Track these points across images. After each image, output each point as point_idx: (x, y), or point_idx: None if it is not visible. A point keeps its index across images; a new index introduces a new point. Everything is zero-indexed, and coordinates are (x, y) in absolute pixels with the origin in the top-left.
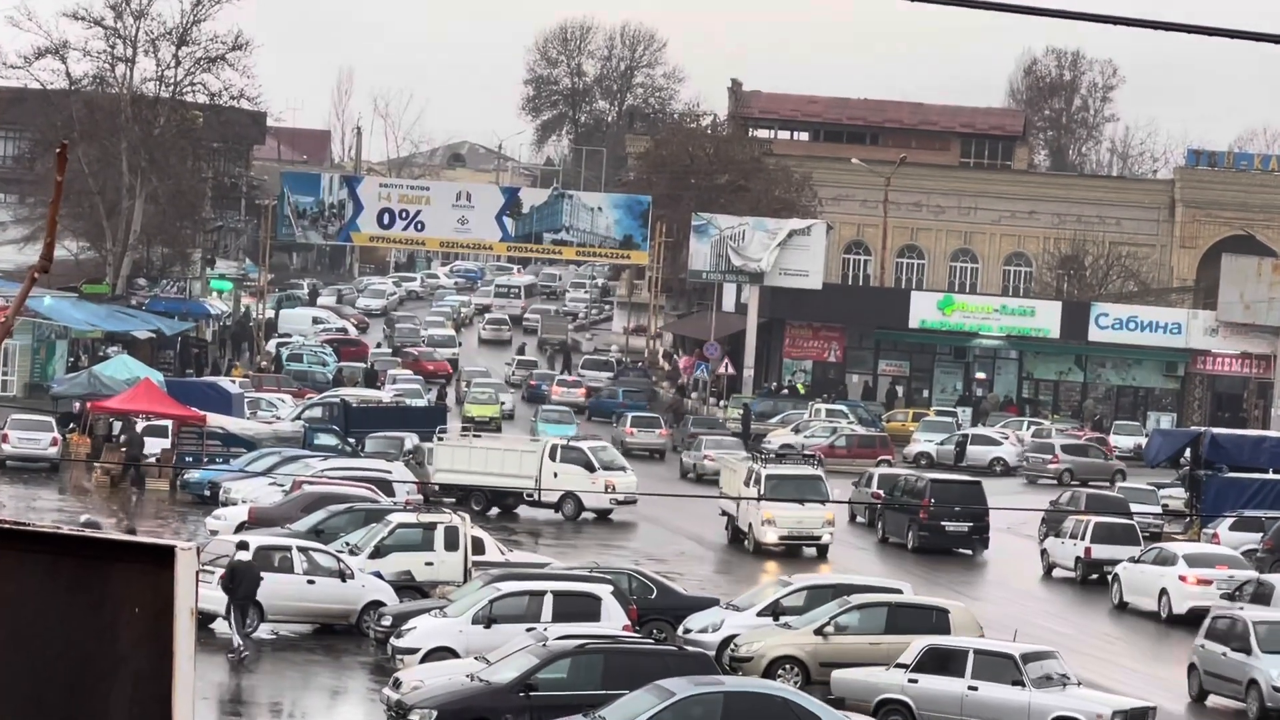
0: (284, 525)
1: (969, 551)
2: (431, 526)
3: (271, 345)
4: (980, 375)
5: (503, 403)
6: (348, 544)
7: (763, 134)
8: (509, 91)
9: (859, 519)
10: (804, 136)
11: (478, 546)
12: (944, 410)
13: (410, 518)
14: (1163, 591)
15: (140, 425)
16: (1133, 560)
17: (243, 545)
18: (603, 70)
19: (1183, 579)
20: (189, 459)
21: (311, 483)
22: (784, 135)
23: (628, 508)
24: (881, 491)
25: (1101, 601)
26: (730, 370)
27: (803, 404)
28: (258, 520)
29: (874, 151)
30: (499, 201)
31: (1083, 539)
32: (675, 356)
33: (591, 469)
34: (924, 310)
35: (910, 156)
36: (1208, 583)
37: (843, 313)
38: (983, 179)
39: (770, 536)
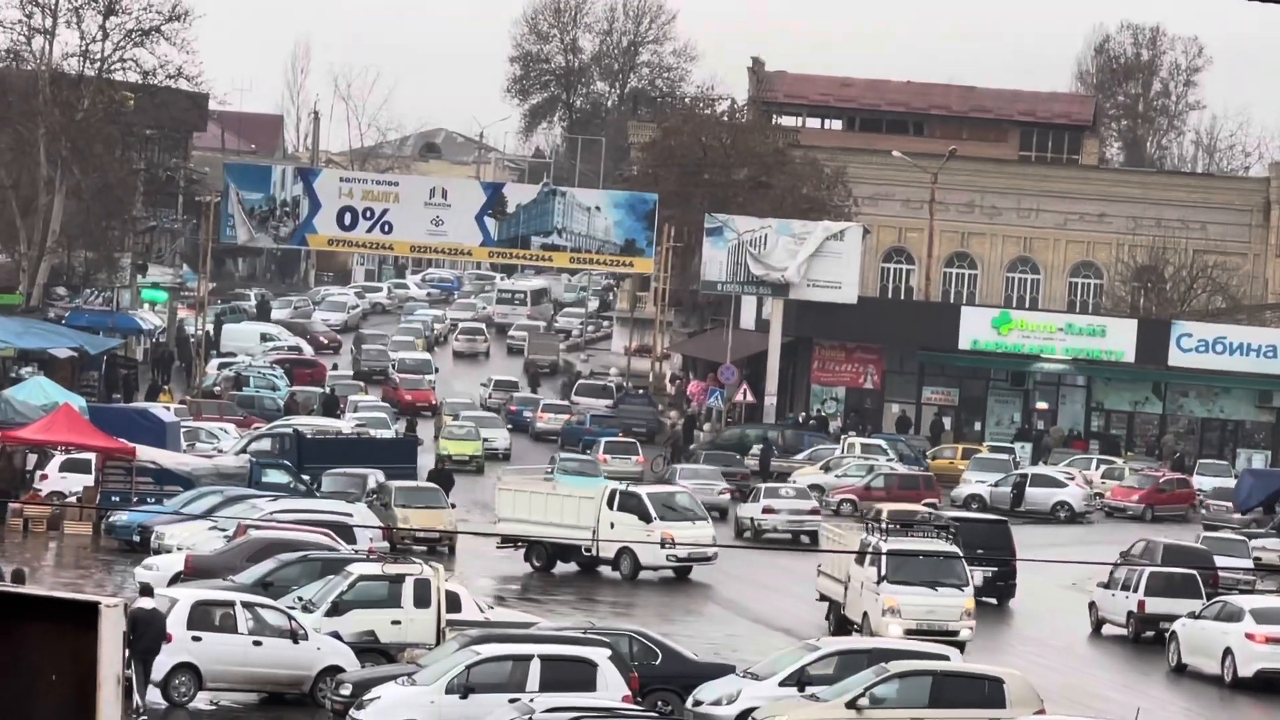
0: (226, 577)
1: (993, 600)
2: (399, 579)
3: (213, 366)
4: (1041, 405)
5: (486, 439)
6: (301, 599)
7: (788, 122)
8: (492, 71)
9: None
10: (836, 125)
11: (453, 603)
12: (999, 446)
13: (374, 569)
14: (1227, 652)
15: (53, 459)
16: (1192, 616)
17: (146, 590)
18: (602, 47)
19: (1250, 637)
20: (115, 499)
21: (259, 527)
22: (813, 123)
23: (707, 566)
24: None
25: (1157, 663)
26: (749, 398)
27: (828, 436)
28: (196, 570)
29: (918, 143)
30: (480, 199)
31: (1135, 590)
32: (684, 381)
33: (647, 518)
34: (976, 329)
35: (960, 149)
36: (1279, 641)
37: (881, 331)
38: (1045, 175)
39: (894, 630)
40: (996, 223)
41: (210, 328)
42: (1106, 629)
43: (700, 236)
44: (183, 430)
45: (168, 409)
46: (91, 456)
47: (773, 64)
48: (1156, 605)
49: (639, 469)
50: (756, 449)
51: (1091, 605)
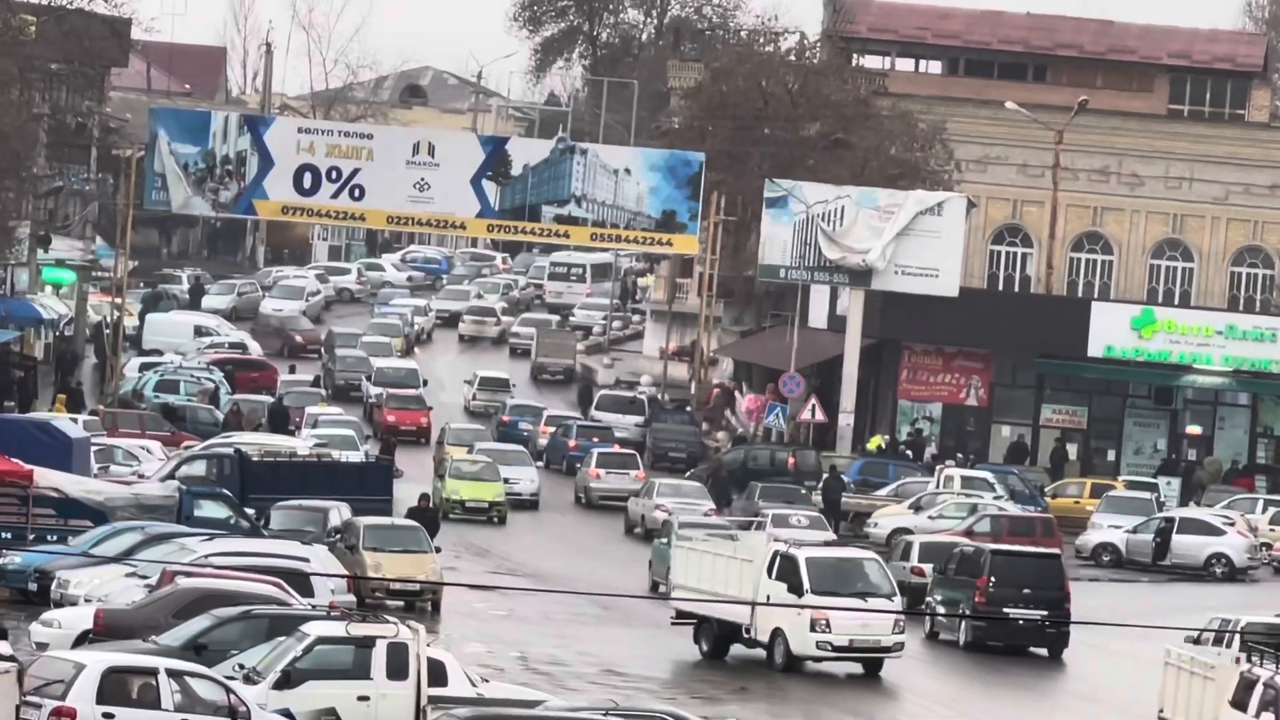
0: (147, 637)
1: (1043, 651)
2: (367, 643)
3: (132, 367)
4: (1194, 430)
5: (507, 479)
6: (242, 666)
7: (873, 63)
8: None
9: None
10: (935, 68)
11: (437, 673)
12: (1138, 481)
13: (337, 629)
14: None
15: None
16: None
17: (9, 659)
18: None
19: None
20: (5, 535)
21: (189, 574)
22: (905, 65)
23: (892, 660)
24: (925, 566)
25: None
26: (819, 416)
27: (913, 466)
28: (109, 628)
29: (1040, 92)
30: (476, 157)
31: (1228, 646)
32: (739, 393)
33: (799, 590)
34: (1111, 331)
35: (1094, 100)
36: None
37: (989, 332)
38: (1202, 136)
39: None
40: (1138, 195)
41: (132, 318)
42: None
43: (758, 209)
44: (94, 449)
45: (74, 421)
46: None
47: None
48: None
49: (638, 486)
50: (811, 482)
51: None
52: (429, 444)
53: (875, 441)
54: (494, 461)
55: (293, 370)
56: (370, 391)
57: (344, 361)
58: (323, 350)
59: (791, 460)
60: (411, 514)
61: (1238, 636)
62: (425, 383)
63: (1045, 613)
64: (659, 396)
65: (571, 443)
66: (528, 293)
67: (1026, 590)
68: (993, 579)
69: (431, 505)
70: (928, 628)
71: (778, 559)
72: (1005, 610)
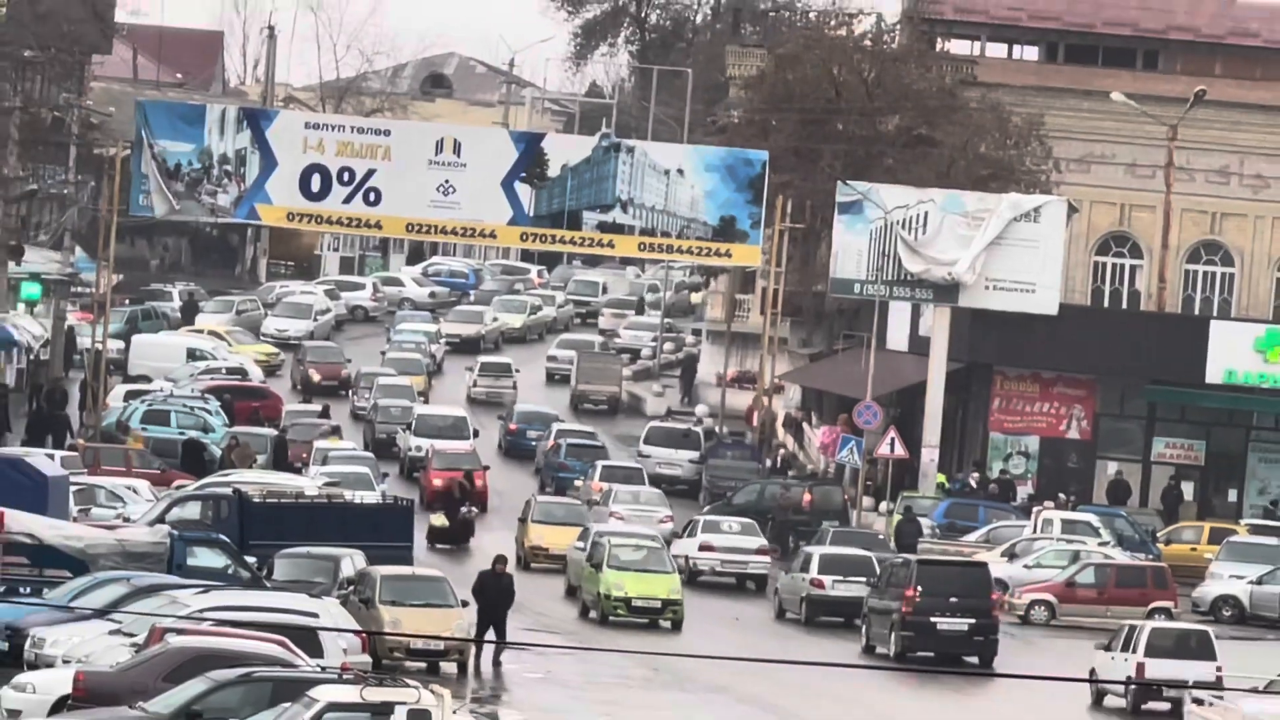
0: (134, 703)
1: (974, 659)
2: (385, 710)
3: (117, 395)
4: None
5: (674, 568)
6: None
7: (960, 49)
8: None
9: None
10: (1031, 54)
11: None
12: (1264, 525)
13: (350, 694)
14: None
15: None
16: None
17: None
18: None
19: None
20: None
21: (182, 631)
22: (996, 51)
23: None
24: (825, 579)
25: None
26: (899, 451)
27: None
28: (91, 693)
29: (1150, 82)
30: (509, 156)
31: (1134, 651)
32: (808, 425)
33: None
34: (1231, 354)
35: (1212, 91)
36: None
37: (1093, 356)
38: None
39: None
40: (1263, 198)
41: (116, 340)
42: (1109, 700)
43: (829, 215)
44: (73, 489)
45: (50, 458)
46: None
47: None
48: (1159, 668)
49: (667, 528)
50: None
51: (1092, 672)
52: (484, 511)
53: (940, 479)
54: (661, 546)
55: (325, 414)
56: (410, 444)
57: (386, 412)
58: (351, 392)
59: (807, 497)
60: (483, 579)
61: None
62: (476, 433)
63: (972, 621)
64: (716, 428)
65: (562, 461)
66: (566, 311)
67: (953, 599)
68: (920, 589)
69: (508, 571)
70: (865, 640)
71: None
72: (932, 619)
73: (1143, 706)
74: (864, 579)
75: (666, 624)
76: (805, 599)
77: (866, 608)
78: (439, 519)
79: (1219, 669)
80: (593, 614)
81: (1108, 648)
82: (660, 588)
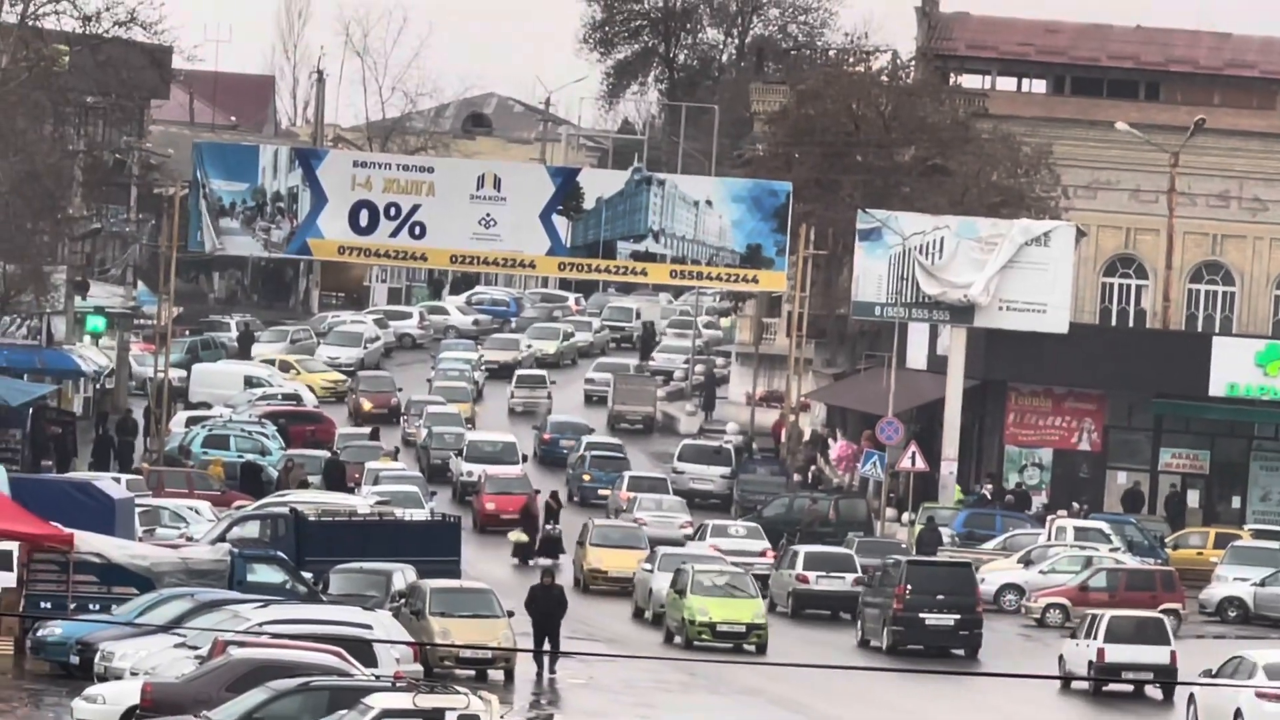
0: (199, 713)
1: (960, 652)
2: (436, 716)
3: (179, 421)
4: None
5: (758, 592)
6: None
7: (972, 82)
8: (563, 14)
9: (842, 614)
10: (1039, 87)
11: None
12: (1267, 530)
13: (403, 701)
14: (1237, 713)
15: None
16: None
17: None
18: None
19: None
20: (45, 605)
21: (244, 643)
22: (1006, 85)
23: None
24: (810, 574)
25: None
26: (920, 464)
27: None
28: (158, 703)
29: (1152, 112)
30: (546, 190)
31: (1095, 637)
32: (830, 440)
33: None
34: (1233, 368)
35: (1212, 120)
36: None
37: (1101, 372)
38: None
39: None
40: (1261, 220)
41: (177, 369)
42: (1076, 684)
43: (851, 242)
44: (138, 510)
45: (117, 481)
46: (13, 547)
47: (951, 2)
48: (1118, 653)
49: (686, 533)
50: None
51: (1060, 658)
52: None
53: (957, 494)
54: (750, 571)
55: (375, 437)
56: (462, 469)
57: (440, 439)
58: (402, 418)
59: (832, 511)
60: (534, 592)
61: None
62: (525, 458)
63: (958, 616)
64: (745, 445)
65: (586, 475)
66: (603, 336)
67: (941, 596)
68: (909, 587)
69: (557, 583)
70: (860, 634)
71: None
72: (921, 615)
73: (1104, 689)
74: (846, 574)
75: (751, 647)
76: (792, 593)
77: (861, 604)
78: (518, 535)
79: (1173, 653)
80: (678, 639)
81: (1074, 636)
82: (745, 612)
